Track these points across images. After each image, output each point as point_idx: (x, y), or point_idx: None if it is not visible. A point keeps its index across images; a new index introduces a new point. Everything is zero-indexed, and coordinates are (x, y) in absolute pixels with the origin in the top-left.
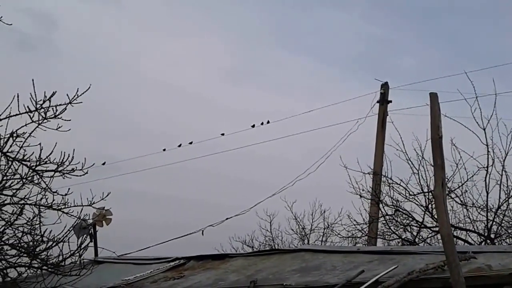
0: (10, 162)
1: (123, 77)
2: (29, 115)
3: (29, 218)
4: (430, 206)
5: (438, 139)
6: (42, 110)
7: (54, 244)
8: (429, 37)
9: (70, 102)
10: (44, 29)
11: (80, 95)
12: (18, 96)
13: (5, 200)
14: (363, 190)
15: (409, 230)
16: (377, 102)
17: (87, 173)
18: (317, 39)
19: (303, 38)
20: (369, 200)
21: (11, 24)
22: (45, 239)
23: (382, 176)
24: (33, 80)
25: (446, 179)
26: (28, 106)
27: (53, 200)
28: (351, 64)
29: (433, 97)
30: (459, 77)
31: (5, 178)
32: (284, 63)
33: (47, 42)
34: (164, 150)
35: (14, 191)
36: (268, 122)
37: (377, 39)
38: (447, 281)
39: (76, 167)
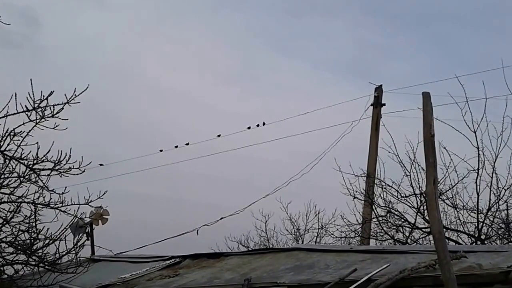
0: (7, 161)
1: (120, 78)
2: (27, 114)
3: (26, 216)
4: (422, 207)
5: (430, 137)
6: (40, 109)
7: (51, 242)
8: (421, 42)
9: (67, 102)
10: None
11: (78, 95)
12: (16, 95)
13: (2, 198)
14: (356, 191)
15: (401, 231)
16: (371, 105)
17: (84, 171)
18: (311, 44)
19: (298, 42)
20: (362, 202)
21: (9, 24)
22: (42, 237)
23: (375, 178)
24: (31, 79)
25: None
26: (25, 105)
27: (50, 199)
28: (345, 68)
29: (426, 96)
30: (450, 82)
31: (2, 176)
32: (279, 67)
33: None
34: (160, 151)
35: (11, 189)
36: (263, 124)
37: (370, 44)
38: (438, 279)
39: (73, 166)
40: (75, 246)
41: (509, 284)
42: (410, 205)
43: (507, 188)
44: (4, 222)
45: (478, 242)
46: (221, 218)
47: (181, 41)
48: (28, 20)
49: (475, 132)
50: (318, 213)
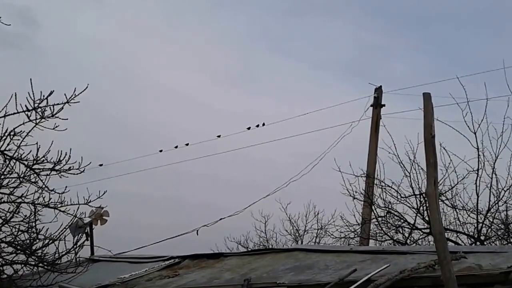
0: (7, 161)
1: (120, 78)
2: (27, 114)
3: (26, 216)
4: (421, 208)
5: (431, 138)
6: (40, 109)
7: (51, 242)
8: (421, 43)
9: (67, 102)
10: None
11: (78, 94)
12: (15, 95)
13: (2, 198)
14: (356, 192)
15: (401, 231)
16: (371, 105)
17: (83, 172)
18: (311, 44)
19: (298, 43)
20: (362, 202)
21: (9, 25)
22: (41, 237)
23: (375, 178)
24: (31, 79)
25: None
26: (25, 105)
27: (50, 199)
28: (345, 69)
29: (427, 96)
30: (450, 83)
31: (2, 176)
32: (278, 68)
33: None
34: (160, 151)
35: (11, 189)
36: (263, 124)
37: (369, 45)
38: (438, 279)
39: (73, 166)
40: (75, 246)
41: (509, 285)
42: (410, 206)
43: (507, 189)
44: (4, 222)
45: (478, 243)
46: (221, 219)
47: (181, 41)
48: (27, 20)
49: (475, 133)
50: (318, 213)
